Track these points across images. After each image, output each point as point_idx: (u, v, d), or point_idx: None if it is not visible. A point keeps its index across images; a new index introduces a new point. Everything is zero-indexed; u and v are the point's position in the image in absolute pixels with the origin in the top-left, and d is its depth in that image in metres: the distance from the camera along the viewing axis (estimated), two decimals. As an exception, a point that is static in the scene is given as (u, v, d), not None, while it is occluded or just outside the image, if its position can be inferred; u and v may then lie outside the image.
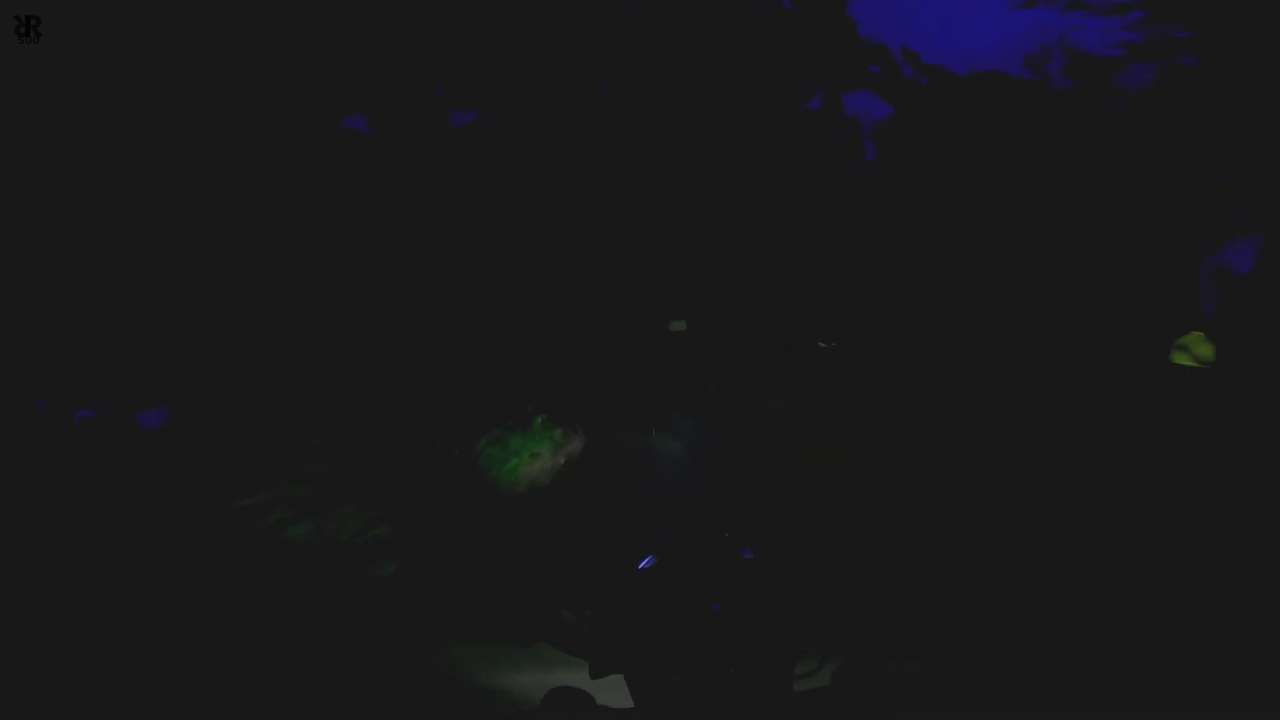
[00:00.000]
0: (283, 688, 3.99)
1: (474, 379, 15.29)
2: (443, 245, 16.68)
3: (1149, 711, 4.29)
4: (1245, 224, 11.73)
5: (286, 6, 14.07)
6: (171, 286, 12.44)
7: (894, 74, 14.77)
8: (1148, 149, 12.43)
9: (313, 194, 14.53)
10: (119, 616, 5.09)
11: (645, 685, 2.38)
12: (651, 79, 16.84)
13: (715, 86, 16.69)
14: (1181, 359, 9.29)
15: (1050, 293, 12.73)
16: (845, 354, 14.94)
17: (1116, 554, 6.96)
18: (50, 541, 6.58)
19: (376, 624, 4.69)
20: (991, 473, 9.65)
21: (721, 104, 16.61)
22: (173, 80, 12.88)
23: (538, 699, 2.85)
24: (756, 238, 16.64)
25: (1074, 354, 12.14)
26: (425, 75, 15.73)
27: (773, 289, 16.42)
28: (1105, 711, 4.26)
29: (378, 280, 15.27)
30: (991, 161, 14.12)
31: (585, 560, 5.40)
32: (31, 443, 9.35)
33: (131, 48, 12.42)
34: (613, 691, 2.42)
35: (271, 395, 12.08)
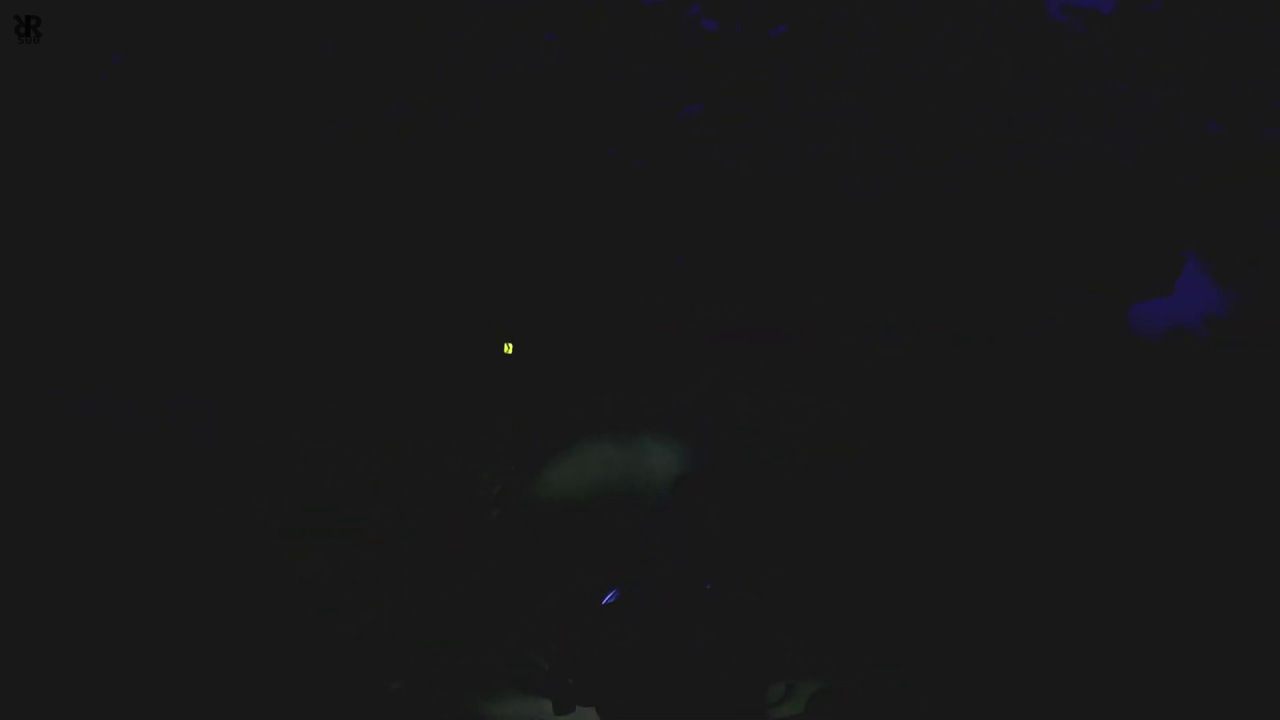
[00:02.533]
0: (263, 689, 4.03)
1: (483, 378, 15.30)
2: (442, 243, 16.69)
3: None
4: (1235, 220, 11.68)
5: (286, 6, 14.07)
6: (174, 286, 12.47)
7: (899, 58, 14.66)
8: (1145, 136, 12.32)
9: (312, 194, 14.54)
10: (96, 618, 5.14)
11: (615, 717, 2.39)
12: (653, 61, 16.74)
13: (718, 67, 16.55)
14: None
15: (1063, 280, 12.64)
16: (855, 342, 14.86)
17: (1120, 559, 6.95)
18: (50, 541, 6.64)
19: (355, 638, 4.73)
20: (999, 470, 9.63)
21: (725, 83, 16.45)
22: (174, 80, 12.90)
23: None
24: (762, 221, 16.52)
25: (1083, 345, 12.07)
26: (425, 76, 15.72)
27: (780, 273, 16.30)
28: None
29: (381, 278, 15.28)
30: (997, 148, 14.01)
31: (558, 584, 5.43)
32: (32, 442, 9.42)
33: (132, 48, 12.44)
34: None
35: (275, 396, 12.14)
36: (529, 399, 15.35)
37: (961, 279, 13.89)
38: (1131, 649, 4.97)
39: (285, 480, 9.43)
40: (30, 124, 11.27)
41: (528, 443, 13.00)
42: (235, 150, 13.82)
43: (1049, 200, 12.85)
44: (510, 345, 14.98)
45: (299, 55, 14.17)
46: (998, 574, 6.47)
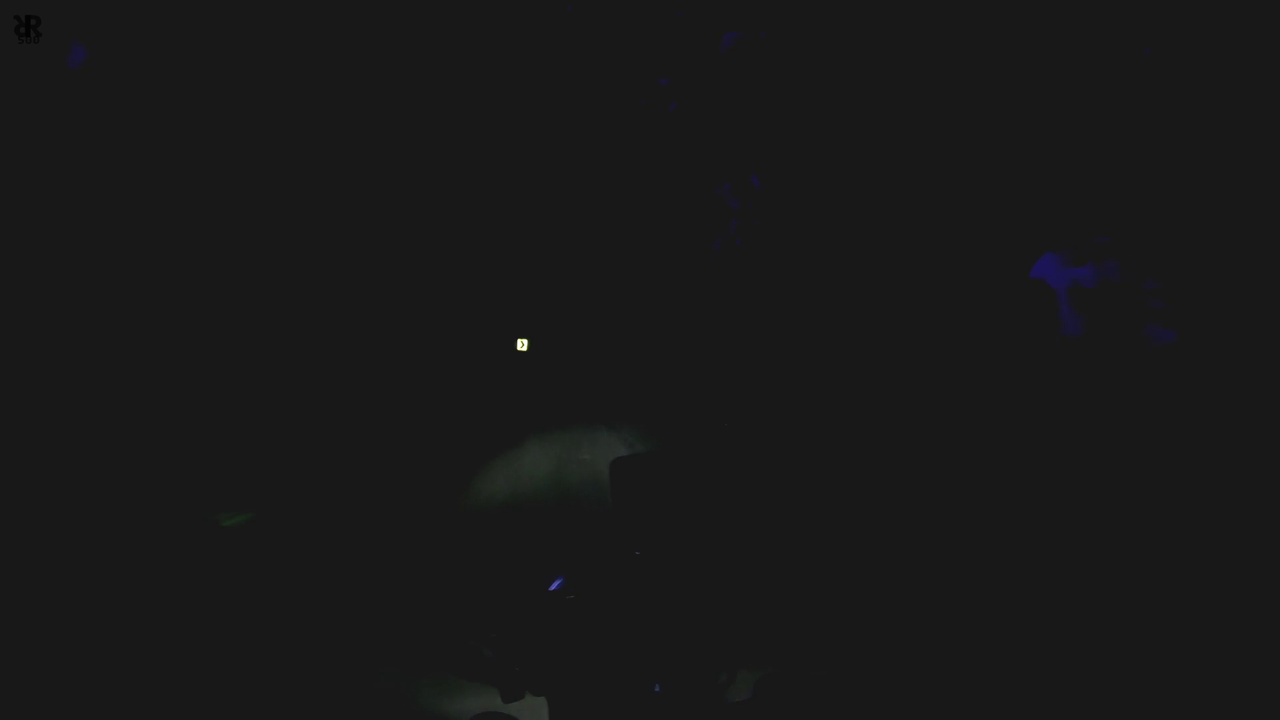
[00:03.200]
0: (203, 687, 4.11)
1: (472, 386, 15.41)
2: (443, 247, 16.80)
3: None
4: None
5: (287, 6, 14.16)
6: (174, 285, 12.56)
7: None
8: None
9: (311, 194, 14.65)
10: (88, 615, 5.24)
11: (564, 707, 2.45)
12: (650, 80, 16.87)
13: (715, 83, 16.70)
14: None
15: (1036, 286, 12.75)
16: (835, 358, 15.04)
17: (1107, 561, 7.02)
18: (49, 540, 6.74)
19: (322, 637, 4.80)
20: (978, 479, 9.72)
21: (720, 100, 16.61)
22: (175, 81, 12.99)
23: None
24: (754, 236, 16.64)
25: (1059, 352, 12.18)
26: (425, 75, 15.82)
27: (774, 290, 16.49)
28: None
29: (377, 284, 15.41)
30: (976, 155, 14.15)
31: (504, 574, 5.51)
32: (31, 442, 9.51)
33: (132, 48, 12.54)
34: (536, 713, 2.48)
35: (267, 403, 12.26)
36: (523, 394, 15.45)
37: (943, 286, 14.06)
38: (1097, 645, 5.05)
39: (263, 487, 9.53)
40: (30, 123, 11.37)
41: (492, 436, 13.13)
42: (236, 150, 13.92)
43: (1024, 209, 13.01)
44: (525, 341, 15.07)
45: (298, 55, 14.28)
46: (958, 569, 6.56)
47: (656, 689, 2.43)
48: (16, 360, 10.78)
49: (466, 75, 16.20)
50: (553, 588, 2.49)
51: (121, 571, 6.00)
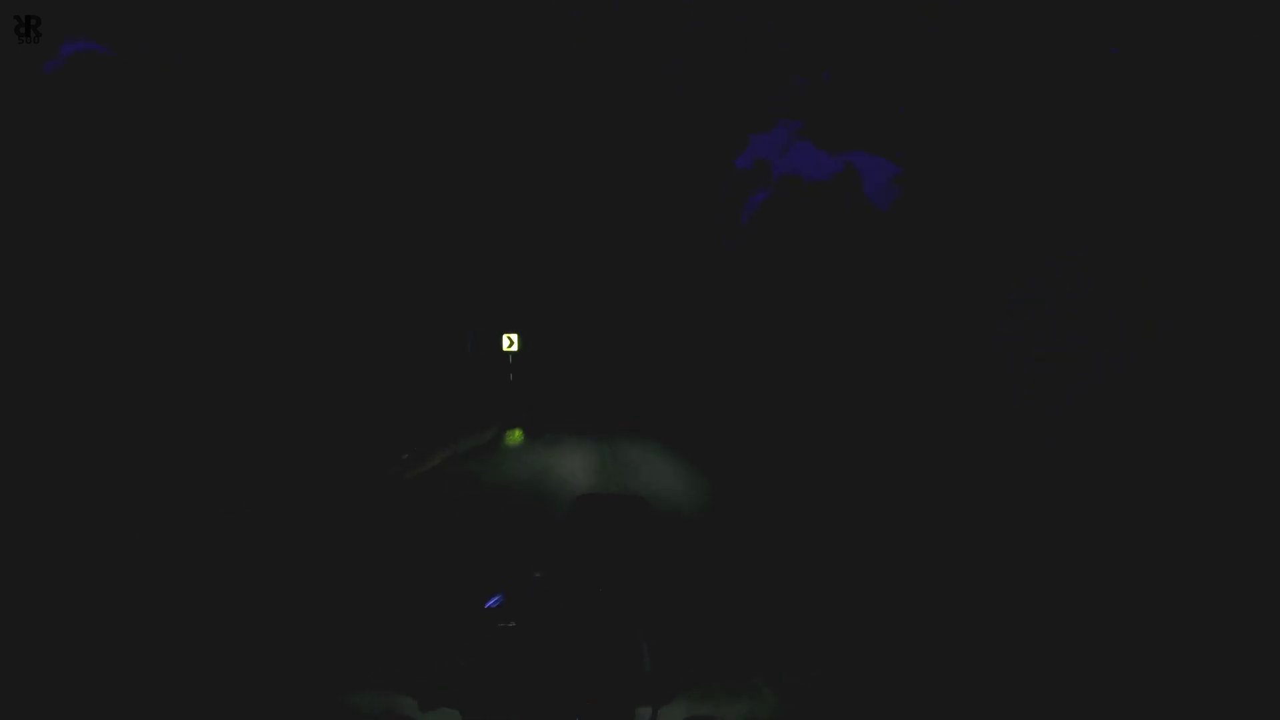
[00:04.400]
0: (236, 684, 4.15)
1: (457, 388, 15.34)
2: (443, 248, 16.78)
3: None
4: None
5: (286, 7, 14.19)
6: (173, 285, 12.60)
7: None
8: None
9: (311, 193, 14.67)
10: (83, 613, 5.29)
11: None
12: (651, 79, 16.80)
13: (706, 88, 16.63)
14: None
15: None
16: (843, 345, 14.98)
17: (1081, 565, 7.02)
18: (48, 539, 6.79)
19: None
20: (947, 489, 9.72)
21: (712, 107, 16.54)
22: (175, 80, 13.03)
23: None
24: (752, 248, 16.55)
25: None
26: (425, 75, 15.81)
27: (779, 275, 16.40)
28: None
29: (371, 284, 15.40)
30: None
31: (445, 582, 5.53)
32: (31, 442, 9.57)
33: (132, 47, 12.58)
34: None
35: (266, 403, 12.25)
36: (508, 394, 15.36)
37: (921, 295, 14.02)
38: (1090, 644, 5.07)
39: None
40: (30, 124, 11.44)
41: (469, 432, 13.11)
42: (237, 150, 13.96)
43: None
44: (512, 340, 15.01)
45: (298, 54, 14.28)
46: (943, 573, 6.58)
47: None
48: (16, 360, 10.86)
49: (468, 75, 16.19)
50: (489, 605, 2.49)
51: (114, 568, 6.05)
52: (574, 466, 11.14)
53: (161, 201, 12.92)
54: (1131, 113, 12.07)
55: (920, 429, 12.13)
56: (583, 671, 2.55)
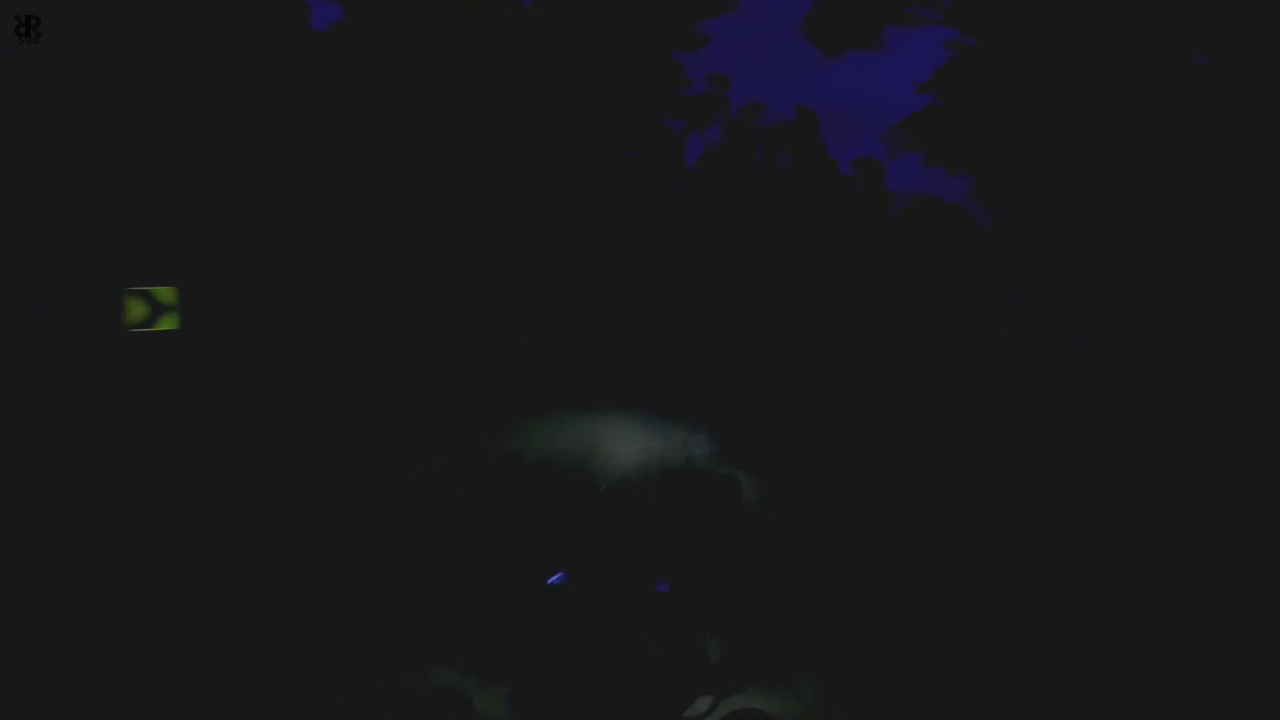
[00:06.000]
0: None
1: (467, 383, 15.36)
2: (443, 247, 16.78)
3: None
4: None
5: (287, 7, 14.16)
6: (172, 284, 12.54)
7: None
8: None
9: (311, 192, 14.64)
10: (82, 612, 5.25)
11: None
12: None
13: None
14: None
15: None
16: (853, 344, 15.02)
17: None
18: (47, 539, 6.73)
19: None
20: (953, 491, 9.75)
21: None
22: (175, 80, 12.97)
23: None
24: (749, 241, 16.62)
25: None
26: (424, 76, 15.80)
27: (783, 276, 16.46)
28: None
29: (375, 284, 15.38)
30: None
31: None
32: (31, 441, 9.51)
33: (132, 48, 12.51)
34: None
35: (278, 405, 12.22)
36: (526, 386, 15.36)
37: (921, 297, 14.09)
38: (1084, 645, 5.08)
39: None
40: (31, 123, 11.35)
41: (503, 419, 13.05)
42: (237, 150, 13.91)
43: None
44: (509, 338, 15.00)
45: (297, 55, 14.26)
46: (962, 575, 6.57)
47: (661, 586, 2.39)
48: (16, 360, 10.79)
49: (470, 76, 16.19)
50: (554, 580, 2.47)
51: (115, 568, 6.00)
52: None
53: (161, 202, 12.85)
54: (1131, 113, 12.15)
55: (920, 429, 12.16)
56: (647, 660, 2.53)
